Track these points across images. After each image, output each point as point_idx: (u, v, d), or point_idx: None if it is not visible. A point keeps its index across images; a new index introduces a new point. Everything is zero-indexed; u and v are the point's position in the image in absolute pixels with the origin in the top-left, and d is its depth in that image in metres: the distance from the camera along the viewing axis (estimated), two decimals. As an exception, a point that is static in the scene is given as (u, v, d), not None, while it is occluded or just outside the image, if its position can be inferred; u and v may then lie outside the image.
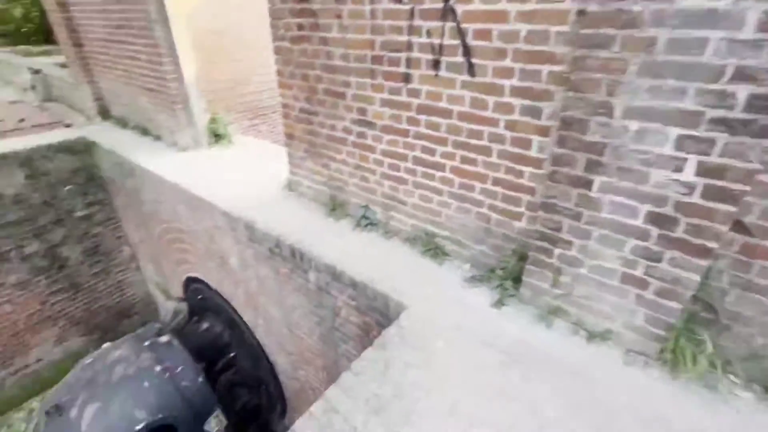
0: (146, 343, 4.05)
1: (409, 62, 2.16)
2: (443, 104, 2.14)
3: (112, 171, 5.25)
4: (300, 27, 2.63)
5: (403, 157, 2.49)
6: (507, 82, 1.88)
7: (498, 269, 2.32)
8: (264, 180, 3.76)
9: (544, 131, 1.87)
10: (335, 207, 3.11)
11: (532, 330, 2.03)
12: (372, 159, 2.68)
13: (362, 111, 2.55)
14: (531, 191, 2.03)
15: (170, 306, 5.04)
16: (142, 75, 4.59)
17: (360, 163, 2.77)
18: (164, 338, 4.11)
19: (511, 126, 1.96)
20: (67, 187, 5.37)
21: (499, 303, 2.19)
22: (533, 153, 1.94)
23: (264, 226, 3.04)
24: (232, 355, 4.66)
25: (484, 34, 1.86)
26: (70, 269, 5.76)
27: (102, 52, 5.11)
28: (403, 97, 2.29)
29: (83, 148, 5.35)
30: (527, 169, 2.00)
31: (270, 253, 3.10)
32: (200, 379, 3.92)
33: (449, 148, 2.24)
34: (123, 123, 5.62)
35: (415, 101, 2.25)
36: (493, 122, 2.01)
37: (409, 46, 2.11)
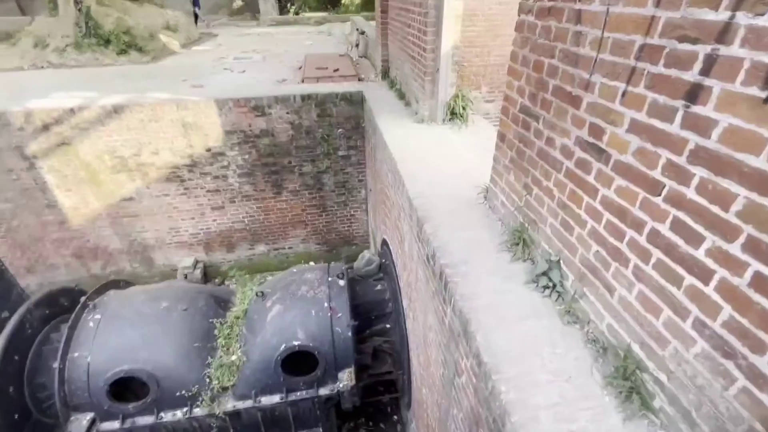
0: (329, 279, 4.64)
1: (711, 64, 1.09)
2: (757, 162, 1.01)
3: (368, 124, 5.99)
4: (554, -6, 1.84)
5: (637, 224, 1.46)
6: None
7: None
8: (468, 177, 3.28)
9: None
10: (519, 242, 2.33)
11: None
12: (585, 204, 1.74)
13: (596, 131, 1.62)
14: None
15: (367, 255, 5.59)
16: (412, 43, 4.76)
17: (568, 203, 1.87)
18: (341, 282, 4.57)
19: None
20: (339, 130, 6.59)
21: None
22: None
23: (430, 230, 2.65)
24: (388, 326, 4.80)
25: None
26: (324, 193, 7.28)
27: (395, 19, 5.62)
28: (673, 127, 1.25)
29: (358, 100, 6.33)
30: None
31: (426, 261, 2.72)
32: (349, 333, 4.20)
33: (734, 249, 1.10)
34: (392, 84, 6.23)
35: (695, 139, 1.18)
36: None
37: (722, 34, 1.05)
